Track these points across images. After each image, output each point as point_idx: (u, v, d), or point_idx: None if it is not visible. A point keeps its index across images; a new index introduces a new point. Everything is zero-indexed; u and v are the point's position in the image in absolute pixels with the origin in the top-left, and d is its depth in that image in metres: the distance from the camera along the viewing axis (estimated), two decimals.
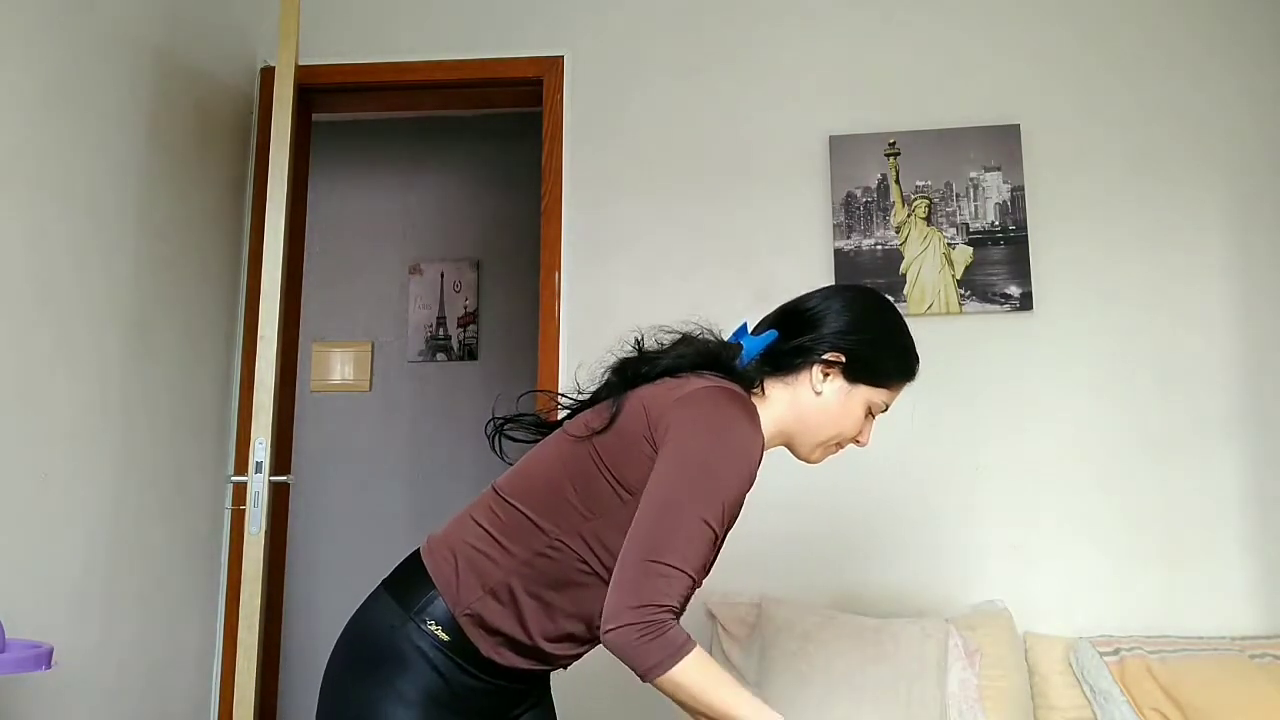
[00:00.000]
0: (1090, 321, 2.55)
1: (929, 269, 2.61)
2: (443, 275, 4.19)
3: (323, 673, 1.31)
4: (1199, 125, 2.61)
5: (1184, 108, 2.62)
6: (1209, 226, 2.57)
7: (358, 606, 1.34)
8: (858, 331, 1.39)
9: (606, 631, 1.15)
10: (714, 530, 1.20)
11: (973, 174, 2.64)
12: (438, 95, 3.12)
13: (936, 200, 2.64)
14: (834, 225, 2.66)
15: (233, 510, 2.74)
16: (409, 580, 1.31)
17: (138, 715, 2.38)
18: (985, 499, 2.51)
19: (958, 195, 2.64)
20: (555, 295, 2.73)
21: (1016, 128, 2.64)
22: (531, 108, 2.91)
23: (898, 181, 2.66)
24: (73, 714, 2.15)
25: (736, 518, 1.26)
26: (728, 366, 1.37)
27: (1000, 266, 2.58)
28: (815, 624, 2.32)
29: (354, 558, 4.00)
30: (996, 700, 2.23)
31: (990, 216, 2.61)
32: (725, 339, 1.45)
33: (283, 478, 2.38)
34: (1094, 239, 2.59)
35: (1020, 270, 2.57)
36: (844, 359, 1.37)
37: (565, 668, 1.38)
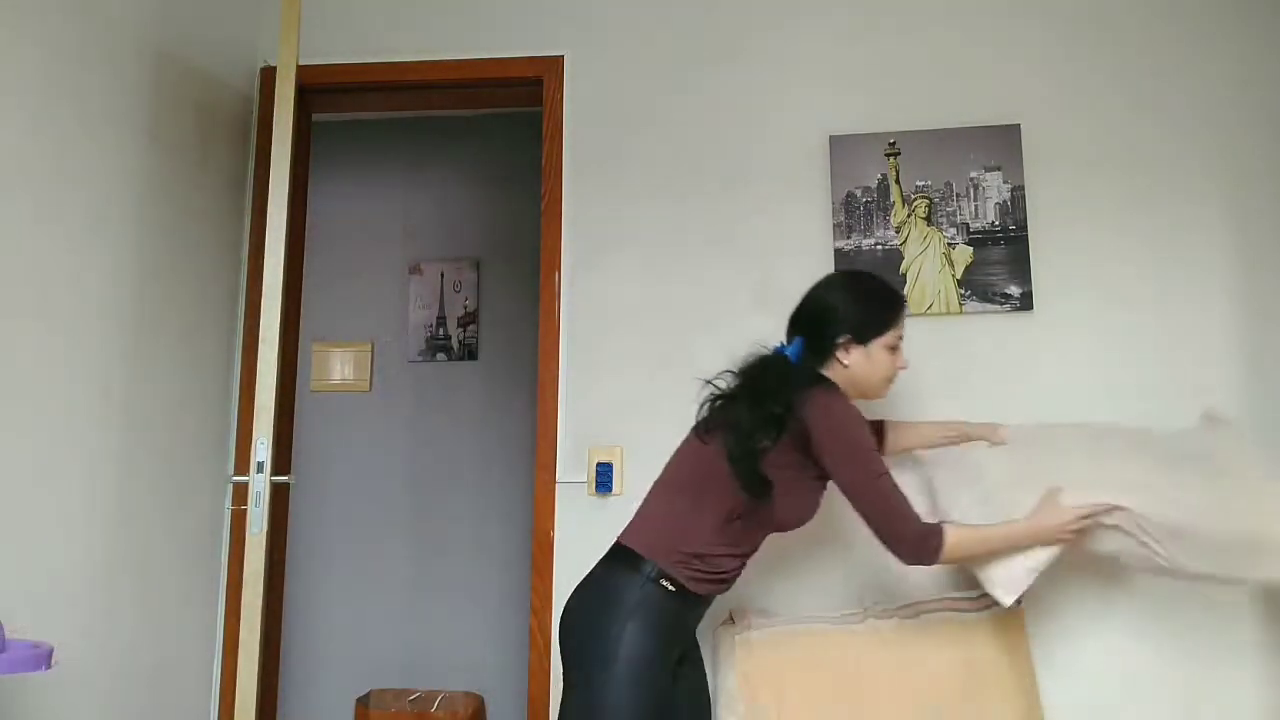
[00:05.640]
0: (1090, 321, 2.55)
1: (929, 269, 2.61)
2: (443, 275, 4.19)
3: (559, 623, 1.86)
4: (1199, 125, 2.61)
5: (1184, 107, 2.62)
6: (1209, 226, 2.57)
7: (591, 580, 1.89)
8: (847, 311, 1.94)
9: (909, 561, 1.85)
10: (885, 472, 1.84)
11: (973, 174, 2.64)
12: (438, 95, 3.12)
13: (936, 200, 2.64)
14: (834, 225, 2.66)
15: (233, 510, 2.75)
16: (627, 556, 1.85)
17: (138, 715, 2.38)
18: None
19: (958, 195, 2.64)
20: (555, 295, 2.73)
21: (1017, 128, 2.64)
22: (531, 108, 2.91)
23: (898, 181, 2.66)
24: (73, 714, 2.15)
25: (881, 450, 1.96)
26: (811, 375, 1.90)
27: (1000, 266, 2.58)
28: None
29: (354, 558, 4.01)
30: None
31: (990, 216, 2.61)
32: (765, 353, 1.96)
33: (283, 478, 2.38)
34: (1094, 239, 2.59)
35: (1020, 270, 2.57)
36: (851, 335, 1.92)
37: (729, 588, 1.95)
